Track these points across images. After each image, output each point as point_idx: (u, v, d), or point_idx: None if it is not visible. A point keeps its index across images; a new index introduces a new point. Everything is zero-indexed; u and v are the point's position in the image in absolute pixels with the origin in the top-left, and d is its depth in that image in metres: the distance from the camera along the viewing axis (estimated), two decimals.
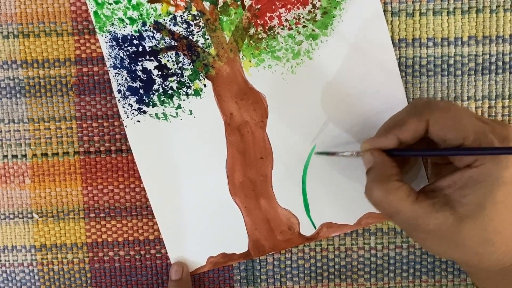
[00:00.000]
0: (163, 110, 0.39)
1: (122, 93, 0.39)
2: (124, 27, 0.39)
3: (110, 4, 0.38)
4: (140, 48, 0.39)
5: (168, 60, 0.39)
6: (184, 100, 0.39)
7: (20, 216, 0.41)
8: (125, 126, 0.40)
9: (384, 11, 0.39)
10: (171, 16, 0.39)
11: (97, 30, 0.39)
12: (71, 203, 0.41)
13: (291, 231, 0.40)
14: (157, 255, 0.41)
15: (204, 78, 0.39)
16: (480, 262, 0.32)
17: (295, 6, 0.38)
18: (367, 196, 0.33)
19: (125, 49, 0.39)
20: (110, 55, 0.39)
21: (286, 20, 0.39)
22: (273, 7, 0.39)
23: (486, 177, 0.30)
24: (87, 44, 0.39)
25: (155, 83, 0.39)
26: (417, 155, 0.33)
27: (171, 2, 0.38)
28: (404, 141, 0.33)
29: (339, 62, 0.39)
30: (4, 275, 0.41)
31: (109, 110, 0.40)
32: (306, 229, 0.40)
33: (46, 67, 0.40)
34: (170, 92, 0.39)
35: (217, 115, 0.40)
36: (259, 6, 0.39)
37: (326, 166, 0.40)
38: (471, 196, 0.30)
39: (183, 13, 0.39)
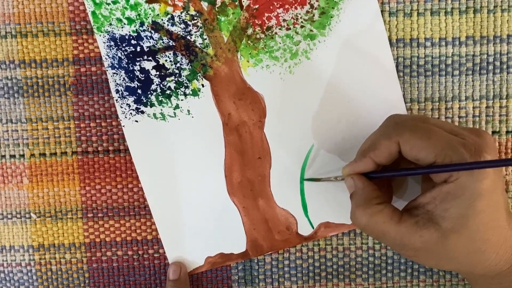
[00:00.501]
0: (161, 110, 0.39)
1: (120, 93, 0.39)
2: (122, 27, 0.39)
3: (108, 4, 0.38)
4: (138, 48, 0.39)
5: (166, 60, 0.39)
6: (182, 100, 0.39)
7: (18, 216, 0.41)
8: (123, 126, 0.40)
9: (382, 11, 0.39)
10: (169, 16, 0.39)
11: (95, 30, 0.39)
12: (69, 203, 0.41)
13: (289, 231, 0.40)
14: (155, 255, 0.41)
15: (202, 78, 0.39)
16: (474, 271, 0.32)
17: (293, 6, 0.39)
18: (352, 220, 0.34)
19: (123, 49, 0.39)
20: (108, 55, 0.39)
21: (284, 20, 0.39)
22: (271, 7, 0.39)
23: (463, 191, 0.30)
24: (85, 44, 0.39)
25: (153, 83, 0.39)
26: (393, 176, 0.34)
27: (169, 2, 0.38)
28: (381, 163, 0.33)
29: (337, 62, 0.39)
30: (2, 275, 0.41)
31: (107, 110, 0.40)
32: (304, 229, 0.40)
33: (44, 67, 0.40)
34: (168, 92, 0.39)
35: (215, 115, 0.40)
36: (257, 6, 0.39)
37: (324, 166, 0.40)
38: (452, 210, 0.30)
39: (181, 13, 0.39)
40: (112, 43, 0.39)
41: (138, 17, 0.39)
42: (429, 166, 0.31)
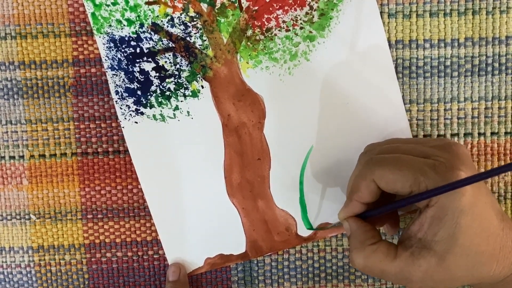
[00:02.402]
0: (161, 111, 0.39)
1: (120, 94, 0.39)
2: (121, 29, 0.39)
3: (108, 5, 0.38)
4: (138, 50, 0.39)
5: (165, 62, 0.39)
6: (181, 101, 0.39)
7: (18, 217, 0.41)
8: (123, 127, 0.40)
9: (381, 12, 0.39)
10: (169, 17, 0.39)
11: (94, 32, 0.39)
12: (69, 204, 0.41)
13: (288, 232, 0.40)
14: (155, 256, 0.41)
15: (201, 80, 0.39)
16: (481, 281, 0.32)
17: (292, 8, 0.39)
18: (350, 264, 0.34)
19: (123, 50, 0.39)
20: (108, 57, 0.39)
21: (284, 21, 0.39)
22: (271, 9, 0.39)
23: (445, 211, 0.30)
24: (85, 46, 0.39)
25: (153, 85, 0.39)
26: (379, 213, 0.34)
27: (169, 3, 0.39)
28: (368, 202, 0.33)
29: (336, 63, 0.39)
30: (2, 276, 0.41)
31: (106, 111, 0.40)
32: (304, 230, 0.40)
33: (43, 68, 0.40)
34: (167, 93, 0.39)
35: (214, 117, 0.40)
36: (256, 8, 0.39)
37: (323, 167, 0.40)
38: (441, 233, 0.30)
39: (181, 14, 0.39)
40: (112, 45, 0.39)
41: (137, 18, 0.39)
42: (408, 197, 0.31)
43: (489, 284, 0.33)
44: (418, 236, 0.31)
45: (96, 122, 0.40)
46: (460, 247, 0.30)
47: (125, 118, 0.40)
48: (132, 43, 0.39)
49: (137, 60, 0.39)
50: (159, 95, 0.39)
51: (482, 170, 0.40)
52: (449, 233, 0.30)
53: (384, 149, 0.34)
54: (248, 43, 0.39)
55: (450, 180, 0.29)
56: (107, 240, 0.41)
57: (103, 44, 0.39)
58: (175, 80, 0.39)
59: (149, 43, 0.39)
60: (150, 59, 0.39)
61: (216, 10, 0.39)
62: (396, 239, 0.40)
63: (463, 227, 0.30)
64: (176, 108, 0.39)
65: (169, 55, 0.39)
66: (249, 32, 0.39)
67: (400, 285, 0.34)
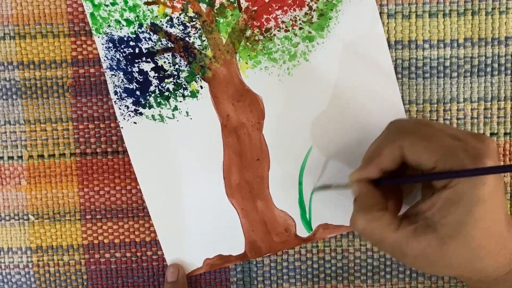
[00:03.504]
0: (160, 111, 0.39)
1: (119, 94, 0.39)
2: (120, 29, 0.39)
3: (107, 5, 0.38)
4: (137, 50, 0.39)
5: (164, 62, 0.39)
6: (180, 101, 0.39)
7: (16, 217, 0.41)
8: (122, 127, 0.40)
9: (380, 13, 0.39)
10: (168, 17, 0.39)
11: (93, 32, 0.39)
12: (67, 204, 0.41)
13: (287, 232, 0.40)
14: (154, 256, 0.41)
15: (200, 80, 0.39)
16: (472, 276, 0.32)
17: (292, 8, 0.39)
18: (351, 224, 0.33)
19: (122, 50, 0.39)
20: (107, 57, 0.39)
21: (283, 22, 0.39)
22: (270, 9, 0.39)
23: (462, 196, 0.30)
24: (84, 46, 0.39)
25: (152, 85, 0.39)
26: (395, 183, 0.34)
27: (168, 4, 0.38)
28: (386, 169, 0.33)
29: (335, 64, 0.39)
30: (0, 277, 0.41)
31: (105, 111, 0.40)
32: (303, 231, 0.40)
33: (42, 68, 0.40)
34: (166, 93, 0.39)
35: (213, 117, 0.40)
36: (255, 8, 0.39)
37: (323, 167, 0.40)
38: (451, 217, 0.30)
39: (180, 14, 0.39)
40: (111, 45, 0.39)
41: (136, 18, 0.39)
42: (430, 173, 0.31)
43: (478, 281, 0.33)
44: (426, 214, 0.31)
45: (95, 122, 0.40)
46: (465, 236, 0.30)
47: (124, 119, 0.39)
48: (131, 43, 0.39)
49: (136, 60, 0.39)
50: (158, 95, 0.39)
51: None
52: (458, 219, 0.30)
53: (419, 121, 0.33)
54: (247, 44, 0.39)
55: (477, 166, 0.29)
56: (105, 241, 0.41)
57: (102, 44, 0.39)
58: (174, 81, 0.39)
59: (148, 43, 0.39)
60: (149, 59, 0.39)
61: (215, 11, 0.39)
62: None
63: (475, 217, 0.29)
64: (175, 108, 0.39)
65: (168, 56, 0.39)
66: (248, 33, 0.39)
67: (392, 257, 0.34)
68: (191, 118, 0.39)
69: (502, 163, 0.40)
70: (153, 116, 0.39)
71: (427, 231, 0.31)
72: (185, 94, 0.39)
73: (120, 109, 0.39)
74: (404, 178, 0.33)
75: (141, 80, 0.39)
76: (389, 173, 0.33)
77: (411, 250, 0.31)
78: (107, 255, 0.41)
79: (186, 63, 0.39)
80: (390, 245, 0.32)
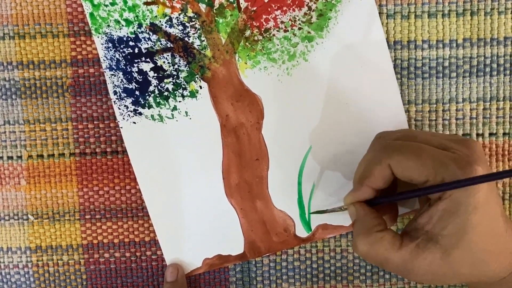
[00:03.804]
0: (159, 111, 0.39)
1: (118, 94, 0.39)
2: (120, 29, 0.39)
3: (106, 5, 0.38)
4: (136, 50, 0.39)
5: (164, 62, 0.39)
6: (180, 101, 0.39)
7: (16, 217, 0.41)
8: (121, 127, 0.40)
9: (380, 13, 0.39)
10: (167, 18, 0.39)
11: (93, 32, 0.39)
12: (67, 204, 0.41)
13: (286, 232, 0.40)
14: (153, 256, 0.41)
15: (200, 80, 0.39)
16: (479, 280, 0.32)
17: (291, 8, 0.39)
18: (353, 249, 0.33)
19: (121, 50, 0.39)
20: (106, 57, 0.39)
21: (282, 22, 0.39)
22: (269, 9, 0.39)
23: (458, 206, 0.30)
24: (83, 46, 0.39)
25: (151, 85, 0.39)
26: (390, 201, 0.34)
27: (167, 4, 0.39)
28: (378, 188, 0.33)
29: (335, 64, 0.39)
30: (0, 276, 0.41)
31: (105, 111, 0.40)
32: (302, 231, 0.40)
33: (42, 68, 0.40)
34: (166, 93, 0.39)
35: (213, 117, 0.40)
36: (255, 8, 0.39)
37: (321, 167, 0.40)
38: (450, 227, 0.30)
39: (179, 15, 0.39)
40: (110, 45, 0.39)
41: (136, 18, 0.39)
42: (423, 188, 0.31)
43: (485, 284, 0.33)
44: (426, 228, 0.31)
45: (94, 122, 0.40)
46: (467, 243, 0.30)
47: (123, 119, 0.39)
48: (131, 43, 0.39)
49: (136, 60, 0.39)
50: (157, 95, 0.39)
51: None
52: (458, 228, 0.30)
53: (401, 136, 0.33)
54: (247, 44, 0.39)
55: (468, 175, 0.29)
56: (105, 241, 0.41)
57: (102, 44, 0.39)
58: (174, 81, 0.39)
59: (147, 43, 0.39)
60: (148, 59, 0.39)
61: (214, 11, 0.39)
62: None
63: (473, 223, 0.30)
64: (174, 108, 0.39)
65: (168, 56, 0.39)
66: (248, 33, 0.39)
67: (400, 276, 0.34)
68: (190, 118, 0.40)
69: (490, 166, 0.40)
70: (152, 116, 0.39)
71: (429, 245, 0.31)
72: (185, 94, 0.39)
73: (119, 109, 0.39)
74: (397, 196, 0.33)
75: (140, 80, 0.39)
76: (382, 190, 0.33)
77: (417, 267, 0.31)
78: (106, 255, 0.41)
79: (185, 63, 0.39)
80: (395, 265, 0.32)
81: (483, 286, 0.34)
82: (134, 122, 0.39)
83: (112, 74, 0.39)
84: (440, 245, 0.30)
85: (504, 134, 0.40)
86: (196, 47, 0.39)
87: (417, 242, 0.31)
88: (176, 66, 0.39)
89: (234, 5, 0.39)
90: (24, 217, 0.41)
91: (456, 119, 0.40)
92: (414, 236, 0.31)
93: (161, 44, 0.39)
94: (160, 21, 0.39)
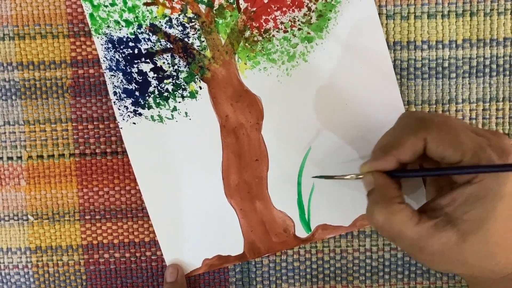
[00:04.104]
0: (159, 112, 0.39)
1: (118, 95, 0.39)
2: (120, 30, 0.39)
3: (106, 6, 0.38)
4: (136, 50, 0.39)
5: (163, 62, 0.39)
6: (179, 102, 0.39)
7: (15, 218, 0.41)
8: (121, 128, 0.40)
9: (379, 14, 0.39)
10: (167, 18, 0.39)
11: (93, 32, 0.39)
12: (67, 205, 0.41)
13: (286, 233, 0.40)
14: (153, 257, 0.41)
15: (199, 81, 0.39)
16: (482, 275, 0.32)
17: (291, 9, 0.39)
18: (368, 219, 0.32)
19: (121, 51, 0.39)
20: (106, 57, 0.39)
21: (282, 23, 0.39)
22: (269, 10, 0.39)
23: (487, 192, 0.29)
24: (83, 46, 0.39)
25: (151, 85, 0.39)
26: (418, 176, 0.32)
27: (167, 4, 0.39)
28: (404, 162, 0.32)
29: (334, 64, 0.39)
30: (0, 277, 0.41)
31: (104, 112, 0.40)
32: (302, 231, 0.40)
33: (41, 69, 0.40)
34: (165, 94, 0.39)
35: (212, 117, 0.40)
36: (254, 9, 0.39)
37: (321, 168, 0.40)
38: (473, 213, 0.30)
39: (179, 15, 0.39)
40: (110, 45, 0.39)
41: (136, 19, 0.39)
42: (457, 166, 0.30)
43: (488, 279, 0.33)
44: (446, 210, 0.30)
45: (94, 123, 0.40)
46: (485, 233, 0.30)
47: (123, 119, 0.40)
48: (130, 44, 0.39)
49: (135, 61, 0.39)
50: (157, 96, 0.39)
51: None
52: (481, 215, 0.29)
53: (440, 114, 0.32)
54: (246, 44, 0.39)
55: (505, 162, 0.29)
56: (105, 241, 0.41)
57: (101, 45, 0.39)
58: (173, 81, 0.39)
59: (147, 44, 0.39)
60: (148, 60, 0.39)
61: (214, 11, 0.39)
62: None
63: (497, 213, 0.29)
64: (174, 109, 0.39)
65: (167, 56, 0.39)
66: (247, 33, 0.39)
67: (408, 253, 0.33)
68: (190, 119, 0.40)
69: None
70: (152, 116, 0.39)
71: (447, 227, 0.30)
72: (184, 95, 0.39)
73: (119, 109, 0.39)
74: (424, 172, 0.32)
75: (140, 80, 0.39)
76: (402, 165, 0.32)
77: (430, 246, 0.30)
78: (106, 256, 0.41)
79: (185, 63, 0.39)
80: (409, 240, 0.31)
81: (483, 282, 0.33)
82: (134, 123, 0.40)
83: (112, 75, 0.39)
84: (458, 229, 0.30)
85: (504, 134, 0.40)
86: (196, 47, 0.39)
87: (435, 221, 0.30)
88: (176, 67, 0.39)
89: (234, 5, 0.39)
90: (24, 217, 0.41)
91: None
92: (432, 216, 0.31)
93: (161, 44, 0.39)
94: (160, 22, 0.39)
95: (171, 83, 0.39)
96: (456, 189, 0.30)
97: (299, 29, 0.39)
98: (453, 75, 0.39)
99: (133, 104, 0.39)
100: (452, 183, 0.31)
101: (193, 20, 0.39)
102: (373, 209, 0.31)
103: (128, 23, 0.39)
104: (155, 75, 0.39)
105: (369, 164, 0.33)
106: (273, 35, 0.39)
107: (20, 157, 0.40)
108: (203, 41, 0.39)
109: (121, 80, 0.39)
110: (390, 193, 0.31)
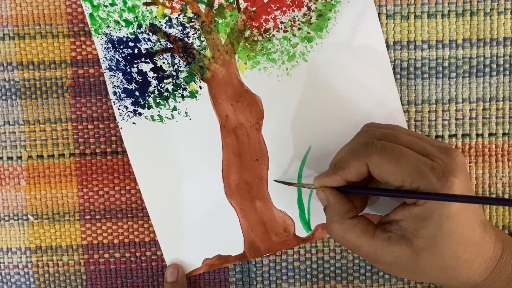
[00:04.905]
0: (159, 112, 0.39)
1: (118, 95, 0.39)
2: (119, 29, 0.39)
3: (106, 6, 0.38)
4: (136, 50, 0.39)
5: (163, 62, 0.39)
6: (179, 102, 0.39)
7: (15, 218, 0.41)
8: (121, 128, 0.40)
9: (379, 13, 0.39)
10: (167, 18, 0.39)
11: (92, 32, 0.39)
12: (67, 205, 0.41)
13: (286, 232, 0.40)
14: (153, 257, 0.41)
15: (199, 80, 0.39)
16: (448, 284, 0.33)
17: (290, 9, 0.39)
18: (328, 233, 0.34)
19: (121, 51, 0.39)
20: (106, 57, 0.39)
21: (282, 22, 0.39)
22: (269, 10, 0.39)
23: (432, 214, 0.30)
24: (83, 46, 0.39)
25: (151, 85, 0.39)
26: (364, 193, 0.34)
27: (167, 4, 0.39)
28: (351, 181, 0.33)
29: (334, 64, 0.39)
30: (0, 277, 0.41)
31: (104, 112, 0.40)
32: (302, 231, 0.40)
33: (41, 69, 0.40)
34: (165, 94, 0.39)
35: (212, 117, 0.40)
36: (254, 9, 0.39)
37: (321, 167, 0.40)
38: (423, 231, 0.30)
39: (179, 15, 0.39)
40: (110, 45, 0.39)
41: (135, 19, 0.39)
42: (397, 190, 0.31)
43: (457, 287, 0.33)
44: (400, 224, 0.31)
45: (94, 123, 0.40)
46: (438, 249, 0.30)
47: (123, 119, 0.40)
48: (130, 44, 0.39)
49: (135, 61, 0.39)
50: (157, 96, 0.39)
51: (480, 171, 0.40)
52: (430, 234, 0.30)
53: (385, 135, 0.33)
54: (246, 44, 0.39)
55: (444, 185, 0.29)
56: (105, 241, 0.41)
57: (101, 45, 0.39)
58: (173, 81, 0.39)
59: (147, 44, 0.39)
60: (148, 60, 0.39)
61: (214, 11, 0.39)
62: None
63: (446, 232, 0.30)
64: (174, 109, 0.39)
65: (167, 56, 0.39)
66: (247, 33, 0.39)
67: (368, 262, 0.36)
68: (190, 119, 0.40)
69: (489, 167, 0.40)
70: (152, 116, 0.39)
71: (401, 241, 0.31)
72: (184, 95, 0.39)
73: (119, 109, 0.39)
74: (369, 191, 0.33)
75: (140, 80, 0.39)
76: (353, 182, 0.34)
77: (385, 257, 0.32)
78: (106, 256, 0.41)
79: (185, 63, 0.39)
80: (366, 252, 0.32)
81: None
82: (134, 123, 0.40)
83: (112, 75, 0.39)
84: (411, 244, 0.31)
85: (503, 134, 0.40)
86: (196, 47, 0.39)
87: (389, 234, 0.32)
88: (175, 67, 0.39)
89: (234, 5, 0.39)
90: (24, 217, 0.41)
91: (456, 119, 0.40)
92: (388, 229, 0.32)
93: (160, 44, 0.39)
94: (159, 22, 0.39)
95: (171, 83, 0.39)
96: (406, 207, 0.31)
97: (299, 28, 0.39)
98: (453, 74, 0.39)
99: (133, 104, 0.39)
100: (404, 203, 0.32)
101: (193, 20, 0.39)
102: (329, 225, 0.33)
103: (128, 23, 0.39)
104: (155, 75, 0.39)
105: (319, 180, 0.34)
106: (273, 35, 0.39)
107: (20, 157, 0.40)
108: (203, 41, 0.39)
109: (121, 80, 0.39)
110: (342, 209, 0.33)
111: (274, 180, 0.40)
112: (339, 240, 0.33)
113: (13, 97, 0.40)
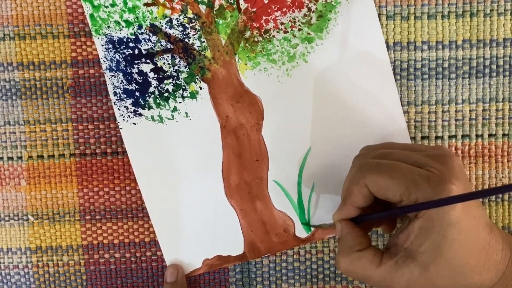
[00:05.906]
0: (159, 112, 0.39)
1: (118, 95, 0.39)
2: (120, 30, 0.39)
3: (106, 7, 0.38)
4: (136, 51, 0.39)
5: (164, 63, 0.39)
6: (180, 102, 0.39)
7: (16, 218, 0.41)
8: (121, 128, 0.40)
9: (379, 14, 0.39)
10: (167, 19, 0.39)
11: (93, 33, 0.39)
12: (67, 205, 0.41)
13: (286, 233, 0.40)
14: (153, 257, 0.41)
15: (200, 81, 0.39)
16: None
17: (291, 10, 0.39)
18: (336, 266, 0.35)
19: (121, 51, 0.39)
20: (106, 58, 0.39)
21: (282, 23, 0.39)
22: (269, 11, 0.39)
23: (433, 223, 0.30)
24: (83, 47, 0.39)
25: (151, 86, 0.39)
26: (372, 219, 0.34)
27: (167, 5, 0.39)
28: (362, 206, 0.33)
29: (334, 65, 0.39)
30: (0, 277, 0.41)
31: (105, 112, 0.40)
32: (302, 231, 0.40)
33: (42, 69, 0.40)
34: (166, 94, 0.39)
35: (213, 118, 0.40)
36: (254, 9, 0.39)
37: (321, 168, 0.40)
38: (427, 244, 0.30)
39: (179, 16, 0.39)
40: (110, 46, 0.39)
41: (136, 19, 0.39)
42: (398, 207, 0.31)
43: None
44: (404, 245, 0.31)
45: (95, 123, 0.40)
46: (444, 259, 0.30)
47: (123, 119, 0.40)
48: (131, 44, 0.39)
49: (136, 62, 0.39)
50: (157, 96, 0.39)
51: (480, 172, 0.40)
52: (434, 244, 0.30)
53: (379, 154, 0.34)
54: (247, 45, 0.39)
55: (441, 194, 0.29)
56: (105, 241, 0.41)
57: (102, 45, 0.39)
58: (174, 82, 0.39)
59: (147, 45, 0.39)
60: (148, 61, 0.39)
61: (214, 12, 0.39)
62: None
63: (449, 239, 0.30)
64: (174, 109, 0.39)
65: (168, 57, 0.39)
66: (248, 34, 0.39)
67: None
68: (190, 119, 0.40)
69: (489, 167, 0.40)
70: (152, 117, 0.39)
71: (407, 262, 0.31)
72: (185, 95, 0.39)
73: (119, 110, 0.39)
74: (374, 215, 0.34)
75: (140, 81, 0.39)
76: (369, 207, 0.34)
77: (396, 283, 0.32)
78: (106, 256, 0.41)
79: (185, 64, 0.39)
80: (376, 281, 0.32)
81: None
82: (134, 123, 0.40)
83: (112, 75, 0.39)
84: (418, 261, 0.31)
85: (503, 135, 0.40)
86: (196, 48, 0.39)
87: (396, 259, 0.31)
88: (176, 67, 0.39)
89: (234, 6, 0.39)
90: (24, 217, 0.41)
91: (456, 120, 0.40)
92: (393, 253, 0.32)
93: (161, 45, 0.39)
94: (160, 22, 0.39)
95: (172, 84, 0.39)
96: (410, 223, 0.31)
97: (299, 29, 0.39)
98: (453, 75, 0.39)
99: (133, 104, 0.39)
100: (408, 220, 0.32)
101: (193, 21, 0.39)
102: (337, 258, 0.34)
103: (128, 23, 0.39)
104: (156, 75, 0.39)
105: (336, 213, 0.35)
106: (273, 36, 0.39)
107: (21, 157, 0.40)
108: (204, 42, 0.39)
109: (121, 81, 0.39)
110: (351, 241, 0.33)
111: (312, 226, 0.40)
112: (345, 272, 0.33)
113: (14, 97, 0.40)
